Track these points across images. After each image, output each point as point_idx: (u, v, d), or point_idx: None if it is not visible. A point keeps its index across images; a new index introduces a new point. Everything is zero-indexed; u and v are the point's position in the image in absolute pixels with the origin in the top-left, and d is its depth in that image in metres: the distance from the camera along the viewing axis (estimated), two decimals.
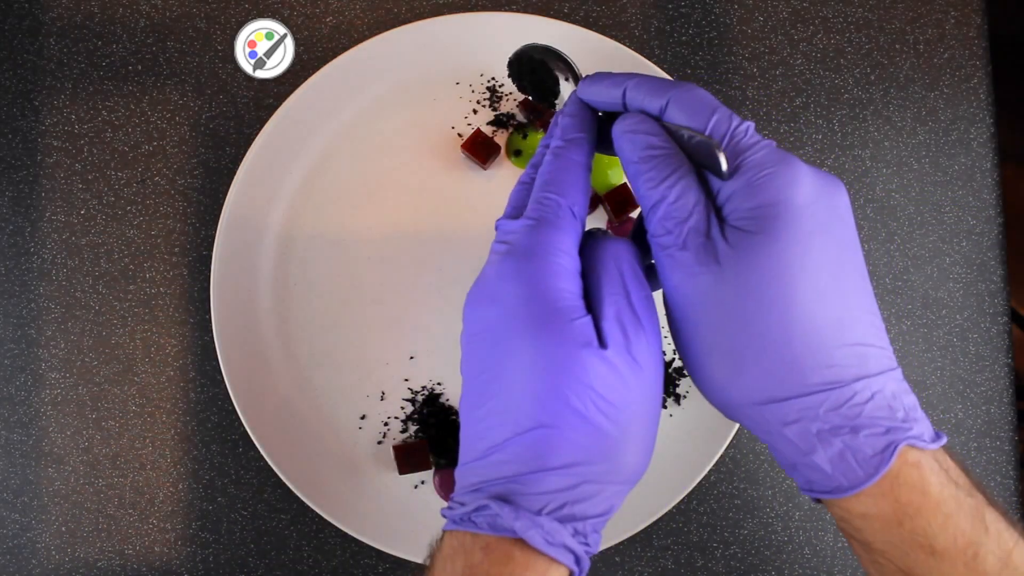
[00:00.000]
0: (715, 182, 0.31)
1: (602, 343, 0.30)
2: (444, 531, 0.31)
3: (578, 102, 0.35)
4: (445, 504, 0.50)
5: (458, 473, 0.32)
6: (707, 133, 0.31)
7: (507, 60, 0.38)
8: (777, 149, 0.31)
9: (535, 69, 0.38)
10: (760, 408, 0.30)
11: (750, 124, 0.31)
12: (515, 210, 0.34)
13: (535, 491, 0.29)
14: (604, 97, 0.34)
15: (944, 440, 0.30)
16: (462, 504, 0.31)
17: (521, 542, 0.29)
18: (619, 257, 0.33)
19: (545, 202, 0.32)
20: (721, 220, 0.31)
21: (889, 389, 0.30)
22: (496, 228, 0.34)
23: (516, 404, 0.30)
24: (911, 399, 0.30)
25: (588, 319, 0.31)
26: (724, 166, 0.30)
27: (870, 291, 0.31)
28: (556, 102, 0.38)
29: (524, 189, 0.34)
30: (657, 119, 0.32)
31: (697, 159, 0.31)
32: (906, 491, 0.29)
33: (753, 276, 0.29)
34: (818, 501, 0.32)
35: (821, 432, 0.29)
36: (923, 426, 0.30)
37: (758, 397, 0.30)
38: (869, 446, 0.29)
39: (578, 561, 0.30)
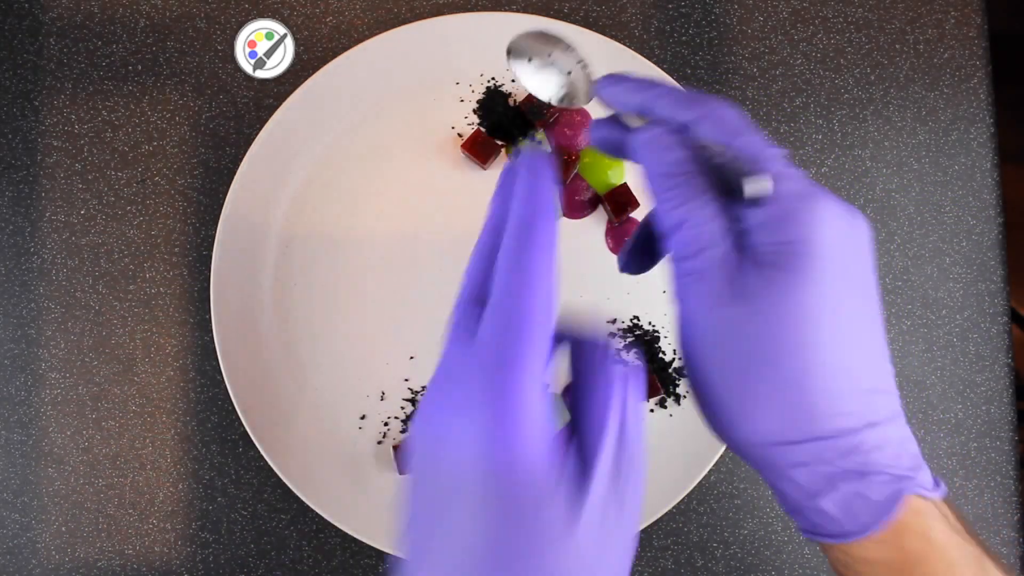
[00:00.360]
0: (741, 207, 0.31)
1: (578, 511, 0.27)
2: None
3: (541, 159, 0.30)
4: None
5: None
6: (736, 155, 0.30)
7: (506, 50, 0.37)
8: (808, 180, 0.30)
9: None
10: (770, 449, 0.30)
11: (783, 151, 0.30)
12: (475, 291, 0.30)
13: None
14: (626, 101, 0.33)
15: (945, 489, 0.30)
16: None
17: None
18: (623, 390, 0.30)
19: (513, 312, 0.28)
20: (742, 248, 0.30)
21: (896, 436, 0.30)
22: (453, 315, 0.29)
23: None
24: (915, 447, 0.31)
25: (562, 494, 0.26)
26: (755, 192, 0.29)
27: (883, 333, 0.31)
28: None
29: (484, 261, 0.30)
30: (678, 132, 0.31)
31: (723, 181, 0.30)
32: (911, 538, 0.29)
33: (774, 315, 0.29)
34: (819, 544, 0.32)
35: (830, 476, 0.29)
36: (926, 474, 0.30)
37: (769, 438, 0.29)
38: (877, 492, 0.29)
39: None
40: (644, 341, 0.51)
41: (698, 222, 0.30)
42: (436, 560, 0.26)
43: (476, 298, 0.29)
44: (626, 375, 0.31)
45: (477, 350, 0.28)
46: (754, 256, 0.29)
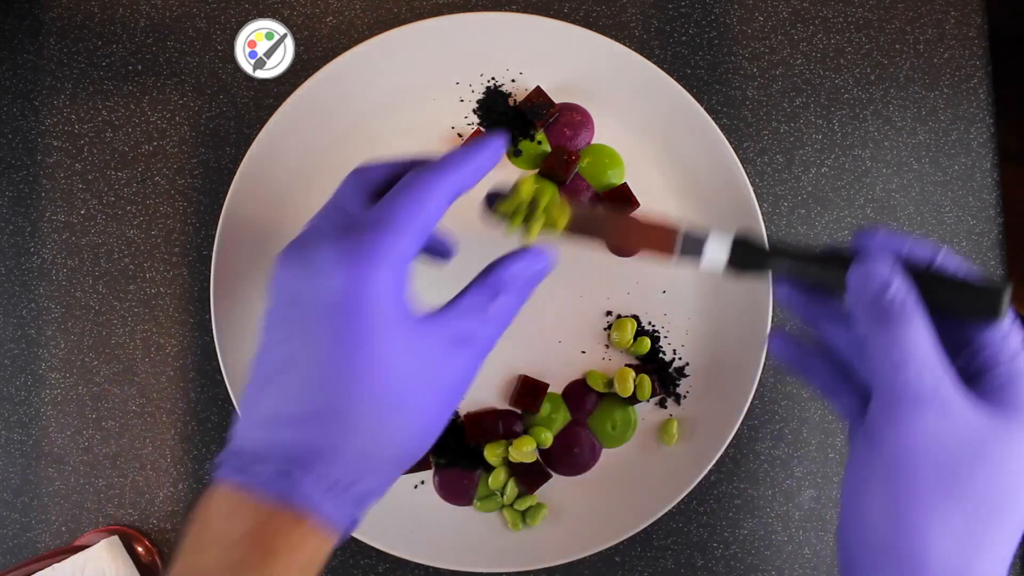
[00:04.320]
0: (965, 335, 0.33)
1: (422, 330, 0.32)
2: (221, 483, 0.31)
3: (494, 141, 0.37)
4: (445, 503, 0.50)
5: (241, 427, 0.32)
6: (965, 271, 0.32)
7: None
8: None
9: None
10: None
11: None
12: (376, 184, 0.36)
13: (324, 467, 0.31)
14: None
15: None
16: (254, 462, 0.31)
17: (300, 512, 0.31)
18: (511, 259, 0.36)
19: (402, 199, 0.33)
20: (969, 379, 0.32)
21: None
22: (349, 183, 0.36)
23: (321, 383, 0.31)
24: None
25: (409, 322, 0.32)
26: (997, 307, 0.31)
27: None
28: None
29: (394, 169, 0.36)
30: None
31: (951, 306, 0.32)
32: None
33: (1007, 457, 0.30)
34: None
35: None
36: None
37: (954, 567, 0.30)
38: None
39: (344, 533, 0.33)
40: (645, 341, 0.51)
41: (928, 354, 0.31)
42: (285, 370, 0.31)
43: (368, 187, 0.35)
44: (531, 251, 0.36)
45: (369, 213, 0.33)
46: (985, 389, 0.32)
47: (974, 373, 0.32)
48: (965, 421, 0.30)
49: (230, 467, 0.31)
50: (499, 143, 0.37)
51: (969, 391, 0.31)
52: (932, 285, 0.32)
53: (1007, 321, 0.32)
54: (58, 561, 0.47)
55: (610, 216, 0.39)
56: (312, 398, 0.31)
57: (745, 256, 0.36)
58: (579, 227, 0.38)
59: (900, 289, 0.32)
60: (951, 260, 0.33)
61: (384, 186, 0.36)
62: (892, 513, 0.31)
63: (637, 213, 0.39)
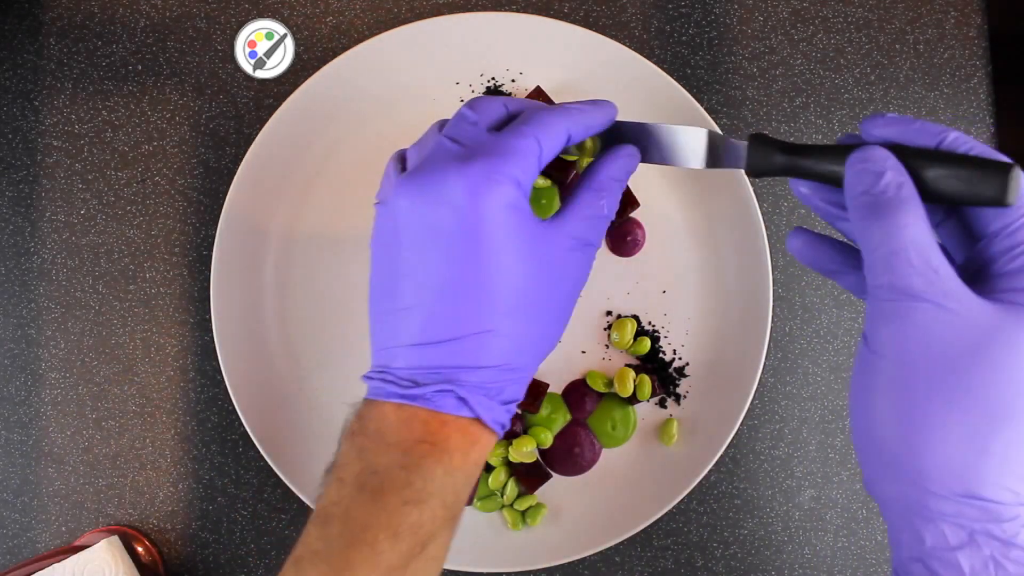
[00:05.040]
0: (980, 224, 0.31)
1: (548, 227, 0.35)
2: (382, 401, 0.35)
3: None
4: None
5: (389, 350, 0.35)
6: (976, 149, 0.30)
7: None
8: None
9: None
10: (931, 490, 0.29)
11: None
12: (494, 118, 0.37)
13: (477, 381, 0.34)
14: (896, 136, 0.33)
15: None
16: (414, 383, 0.34)
17: (467, 419, 0.34)
18: (610, 160, 0.38)
19: (526, 128, 0.35)
20: (973, 277, 0.30)
21: None
22: (463, 110, 0.36)
23: (467, 304, 0.33)
24: None
25: (536, 222, 0.35)
26: (1013, 191, 0.29)
27: None
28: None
29: (504, 107, 0.37)
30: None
31: (958, 193, 0.30)
32: None
33: (1013, 355, 0.28)
34: None
35: (973, 534, 0.29)
36: None
37: (954, 485, 0.29)
38: (1014, 565, 0.29)
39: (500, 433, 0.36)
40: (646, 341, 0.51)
41: (926, 239, 0.29)
42: (428, 295, 0.34)
43: (486, 120, 0.36)
44: (624, 149, 0.38)
45: (495, 141, 0.35)
46: (993, 286, 0.29)
47: (980, 266, 0.31)
48: (965, 316, 0.28)
49: (390, 388, 0.34)
50: (613, 108, 0.39)
51: (969, 286, 0.29)
52: (935, 169, 0.30)
53: (1016, 207, 0.30)
54: (58, 561, 0.47)
55: (636, 125, 0.39)
56: (458, 322, 0.33)
57: (761, 154, 0.36)
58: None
59: (893, 176, 0.30)
60: (962, 142, 0.31)
61: (501, 122, 0.37)
62: (893, 417, 0.30)
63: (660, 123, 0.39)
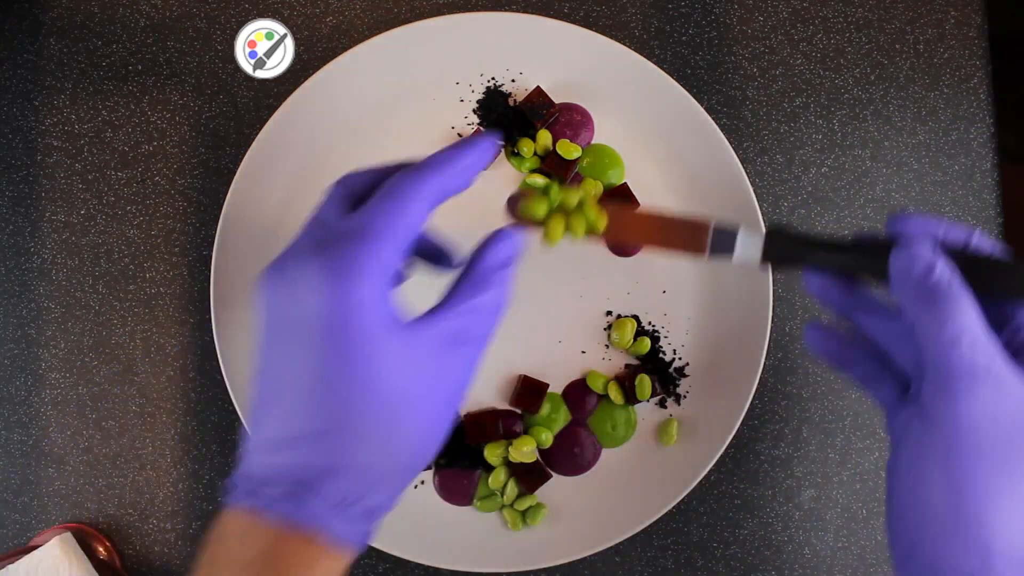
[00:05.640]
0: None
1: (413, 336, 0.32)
2: (232, 507, 0.31)
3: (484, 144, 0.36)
4: (445, 503, 0.50)
5: (249, 450, 0.32)
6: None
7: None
8: None
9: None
10: (1008, 566, 0.30)
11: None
12: (354, 191, 0.35)
13: (331, 486, 0.31)
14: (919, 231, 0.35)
15: None
16: (264, 485, 0.31)
17: (311, 532, 0.31)
18: (494, 243, 0.35)
19: (383, 206, 0.32)
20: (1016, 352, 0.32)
21: None
22: (330, 195, 0.34)
23: (319, 403, 0.31)
24: None
25: (396, 329, 0.31)
26: None
27: None
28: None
29: (375, 176, 0.35)
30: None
31: (988, 286, 0.32)
32: None
33: None
34: None
35: None
36: None
37: (1022, 555, 0.30)
38: None
39: (357, 549, 0.33)
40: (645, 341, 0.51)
41: (977, 329, 0.31)
42: (283, 392, 0.31)
43: (351, 196, 0.34)
44: (503, 235, 0.35)
45: (348, 222, 0.32)
46: None
47: (1016, 349, 0.33)
48: (1019, 394, 0.31)
49: (241, 491, 0.31)
50: (488, 143, 0.36)
51: (1018, 366, 0.31)
52: (969, 266, 0.32)
53: None
54: (11, 562, 0.47)
55: (641, 215, 0.38)
56: (311, 419, 0.31)
57: (780, 249, 0.36)
58: (615, 228, 0.37)
59: (945, 269, 0.32)
60: (984, 241, 0.34)
61: (366, 193, 0.34)
62: (954, 491, 0.31)
63: (663, 210, 0.38)
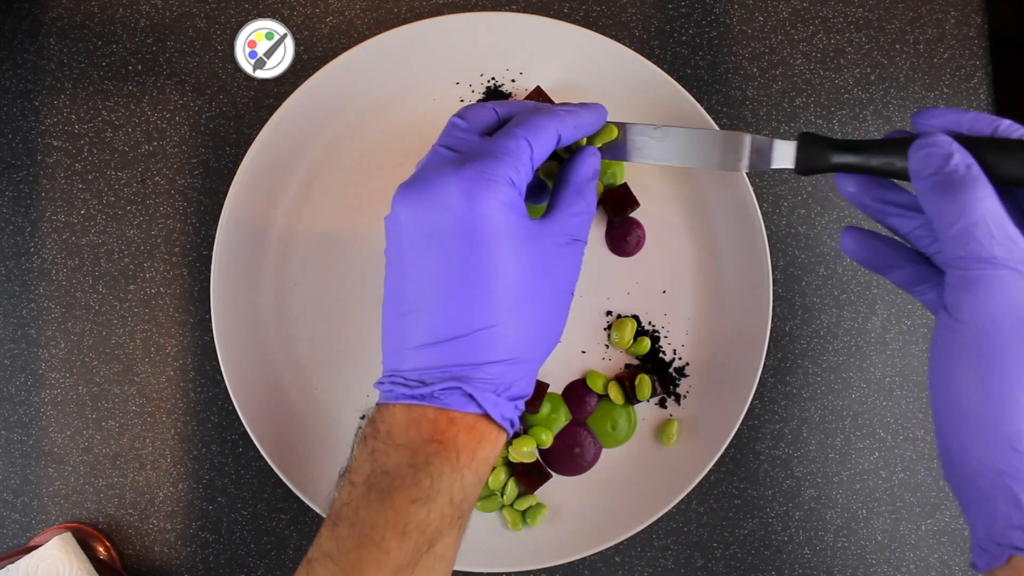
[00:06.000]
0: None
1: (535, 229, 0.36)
2: (392, 404, 0.35)
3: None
4: None
5: (397, 353, 0.36)
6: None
7: None
8: None
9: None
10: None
11: None
12: (486, 123, 0.39)
13: (485, 377, 0.35)
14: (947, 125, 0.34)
15: None
16: (422, 383, 0.35)
17: (475, 416, 0.35)
18: (580, 160, 0.40)
19: (519, 131, 0.36)
20: None
21: None
22: (454, 119, 0.38)
23: (468, 304, 0.35)
24: None
25: (523, 224, 0.36)
26: None
27: None
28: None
29: (495, 112, 0.39)
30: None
31: (1015, 174, 0.32)
32: None
33: None
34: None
35: None
36: None
37: None
38: None
39: (510, 431, 0.37)
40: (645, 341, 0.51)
41: (998, 217, 0.31)
42: (432, 297, 0.35)
43: (477, 128, 0.38)
44: (588, 151, 0.40)
45: (488, 145, 0.36)
46: None
47: None
48: None
49: (399, 390, 0.35)
50: (603, 111, 0.40)
51: None
52: (994, 154, 0.32)
53: None
54: (11, 562, 0.47)
55: (672, 129, 0.41)
56: (462, 320, 0.34)
57: (813, 155, 0.37)
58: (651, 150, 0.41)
59: (962, 158, 0.32)
60: (1015, 129, 0.33)
61: (493, 128, 0.39)
62: (984, 385, 0.30)
63: (696, 127, 0.41)
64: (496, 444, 0.36)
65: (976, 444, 0.31)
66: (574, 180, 0.39)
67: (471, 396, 0.35)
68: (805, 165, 0.37)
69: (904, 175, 0.34)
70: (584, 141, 0.41)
